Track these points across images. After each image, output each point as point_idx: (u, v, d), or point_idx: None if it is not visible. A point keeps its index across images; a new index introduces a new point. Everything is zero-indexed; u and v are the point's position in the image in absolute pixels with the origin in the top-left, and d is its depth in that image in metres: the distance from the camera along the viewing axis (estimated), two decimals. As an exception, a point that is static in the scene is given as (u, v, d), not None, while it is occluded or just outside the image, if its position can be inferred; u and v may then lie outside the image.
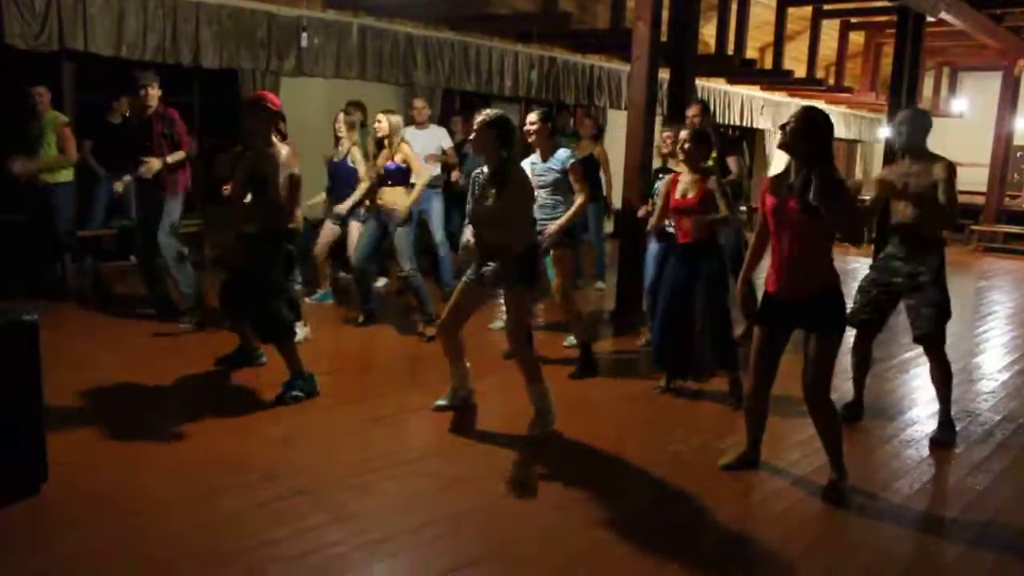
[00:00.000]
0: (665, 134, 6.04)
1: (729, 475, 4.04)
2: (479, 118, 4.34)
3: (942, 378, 4.65)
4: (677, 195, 4.95)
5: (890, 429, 4.84)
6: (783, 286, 3.73)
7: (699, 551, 3.33)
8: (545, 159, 5.52)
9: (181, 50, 7.69)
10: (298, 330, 6.04)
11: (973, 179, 16.71)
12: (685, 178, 4.95)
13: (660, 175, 5.90)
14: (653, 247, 5.97)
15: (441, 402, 4.70)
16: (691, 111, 6.20)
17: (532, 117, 5.55)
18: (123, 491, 3.53)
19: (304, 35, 8.31)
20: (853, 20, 14.24)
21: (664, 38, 7.37)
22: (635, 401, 5.16)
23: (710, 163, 6.19)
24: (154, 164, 6.08)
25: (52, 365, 3.73)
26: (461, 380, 4.71)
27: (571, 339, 6.12)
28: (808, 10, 12.98)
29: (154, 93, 6.19)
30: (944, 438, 4.62)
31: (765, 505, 3.81)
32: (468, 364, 4.75)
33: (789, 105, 16.64)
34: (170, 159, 6.17)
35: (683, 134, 5.03)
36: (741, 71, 11.61)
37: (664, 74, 7.53)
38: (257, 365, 5.27)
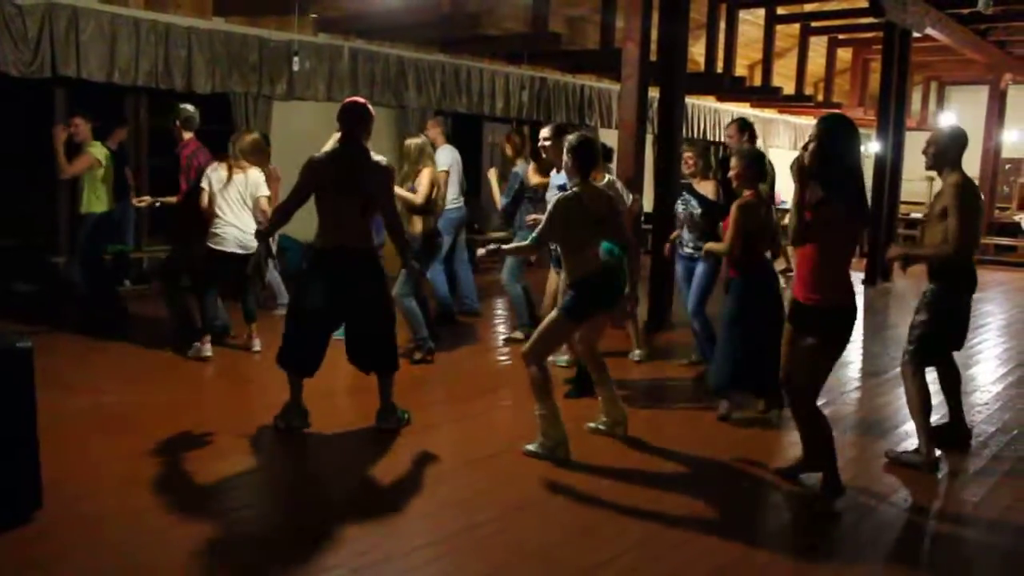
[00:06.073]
0: (687, 154, 5.98)
1: (737, 485, 4.06)
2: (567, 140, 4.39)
3: (909, 403, 4.48)
4: None
5: (886, 441, 4.84)
6: (797, 289, 3.80)
7: (710, 561, 3.33)
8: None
9: (173, 76, 7.75)
10: (257, 343, 6.13)
11: (963, 192, 16.85)
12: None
13: (683, 194, 5.93)
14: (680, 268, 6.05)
15: (595, 425, 4.73)
16: (728, 129, 6.17)
17: (545, 132, 5.49)
18: (117, 517, 3.51)
19: (296, 59, 8.36)
20: (841, 37, 14.39)
21: (653, 57, 7.44)
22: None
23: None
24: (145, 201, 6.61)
25: (48, 390, 3.71)
26: (609, 404, 4.67)
27: (636, 353, 6.40)
28: (796, 27, 13.12)
29: (182, 129, 6.27)
30: (910, 461, 4.39)
31: (774, 514, 3.81)
32: (614, 391, 4.68)
33: (778, 122, 16.79)
34: (161, 200, 6.58)
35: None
36: (730, 89, 11.70)
37: (654, 93, 7.59)
38: None
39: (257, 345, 6.13)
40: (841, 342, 3.82)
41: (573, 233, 4.26)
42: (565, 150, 4.37)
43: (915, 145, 12.63)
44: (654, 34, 7.34)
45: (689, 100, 12.43)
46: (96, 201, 6.59)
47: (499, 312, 8.30)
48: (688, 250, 5.82)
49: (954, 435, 4.74)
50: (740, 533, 3.63)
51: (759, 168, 4.82)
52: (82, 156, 6.46)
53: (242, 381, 5.59)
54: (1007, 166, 17.52)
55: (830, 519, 3.78)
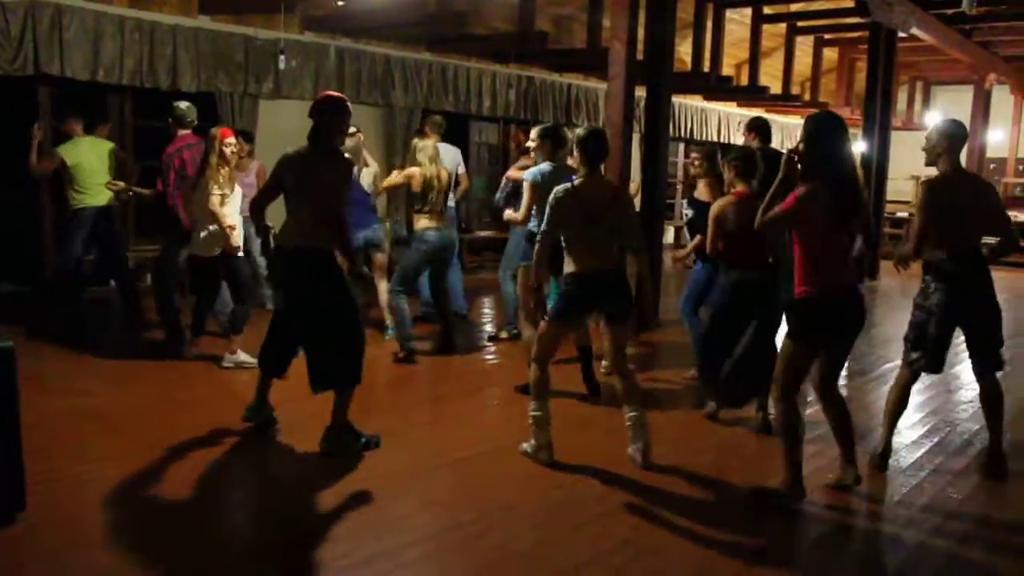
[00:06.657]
0: (693, 155, 5.97)
1: (721, 486, 4.07)
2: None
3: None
4: None
5: (870, 440, 4.85)
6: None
7: (693, 561, 3.34)
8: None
9: (159, 74, 7.70)
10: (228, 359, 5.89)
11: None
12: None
13: (686, 202, 5.93)
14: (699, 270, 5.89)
15: None
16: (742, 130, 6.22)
17: (532, 134, 5.70)
18: (101, 519, 3.49)
19: (282, 57, 8.32)
20: (827, 36, 14.44)
21: (640, 56, 7.45)
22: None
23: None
24: (118, 186, 6.49)
25: (32, 390, 3.69)
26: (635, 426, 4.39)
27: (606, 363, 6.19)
28: (783, 27, 13.16)
29: (175, 127, 6.26)
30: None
31: (756, 515, 3.81)
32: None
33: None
34: (135, 189, 6.62)
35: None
36: (717, 88, 11.73)
37: (641, 92, 7.60)
38: None
39: (228, 361, 5.80)
40: (812, 336, 3.78)
41: (571, 228, 4.22)
42: (575, 143, 4.38)
43: (901, 144, 12.70)
44: (641, 33, 7.35)
45: (676, 99, 12.43)
46: (75, 199, 6.55)
47: (486, 312, 8.30)
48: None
49: (993, 466, 4.46)
50: (723, 533, 3.63)
51: (748, 165, 4.80)
52: (49, 159, 6.45)
53: (230, 383, 5.55)
54: (991, 165, 17.62)
55: (790, 515, 3.77)
